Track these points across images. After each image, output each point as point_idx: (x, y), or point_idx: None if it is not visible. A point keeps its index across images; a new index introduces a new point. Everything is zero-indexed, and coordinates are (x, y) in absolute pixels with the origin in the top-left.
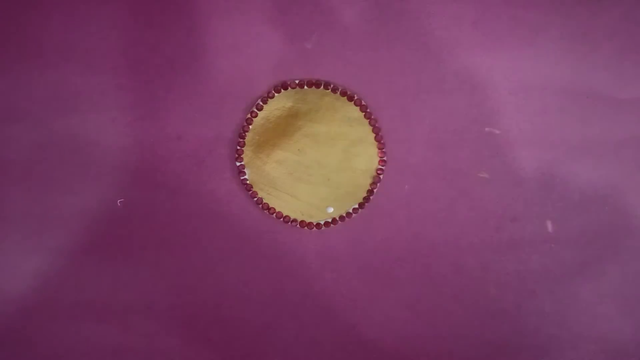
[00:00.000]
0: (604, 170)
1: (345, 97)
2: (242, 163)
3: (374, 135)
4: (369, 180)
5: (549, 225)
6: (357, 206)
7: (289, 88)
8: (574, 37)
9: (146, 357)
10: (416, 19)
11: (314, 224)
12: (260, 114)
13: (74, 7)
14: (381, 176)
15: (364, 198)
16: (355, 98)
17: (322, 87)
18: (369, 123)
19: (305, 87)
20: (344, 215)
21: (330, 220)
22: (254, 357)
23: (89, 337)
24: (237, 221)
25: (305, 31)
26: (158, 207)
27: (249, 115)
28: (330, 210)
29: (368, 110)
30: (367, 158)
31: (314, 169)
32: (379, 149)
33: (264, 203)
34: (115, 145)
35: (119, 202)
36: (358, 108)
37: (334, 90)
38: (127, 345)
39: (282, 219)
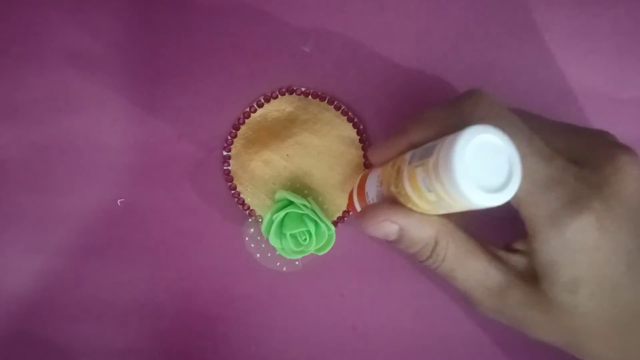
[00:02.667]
0: None
1: (346, 118)
2: (229, 153)
3: (364, 160)
4: (347, 202)
5: None
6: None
7: (294, 94)
8: (574, 37)
9: (146, 357)
10: (416, 19)
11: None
12: (259, 110)
13: (74, 7)
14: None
15: (338, 218)
16: (355, 120)
17: (326, 101)
18: (362, 148)
19: (310, 97)
20: (341, 216)
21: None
22: (253, 357)
23: (89, 337)
24: (237, 221)
25: (304, 33)
26: (158, 207)
27: (247, 109)
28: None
29: (364, 135)
30: (352, 181)
31: (298, 177)
32: None
33: (240, 198)
34: (115, 145)
35: (119, 202)
36: (355, 131)
37: (337, 108)
38: (127, 346)
39: (253, 218)
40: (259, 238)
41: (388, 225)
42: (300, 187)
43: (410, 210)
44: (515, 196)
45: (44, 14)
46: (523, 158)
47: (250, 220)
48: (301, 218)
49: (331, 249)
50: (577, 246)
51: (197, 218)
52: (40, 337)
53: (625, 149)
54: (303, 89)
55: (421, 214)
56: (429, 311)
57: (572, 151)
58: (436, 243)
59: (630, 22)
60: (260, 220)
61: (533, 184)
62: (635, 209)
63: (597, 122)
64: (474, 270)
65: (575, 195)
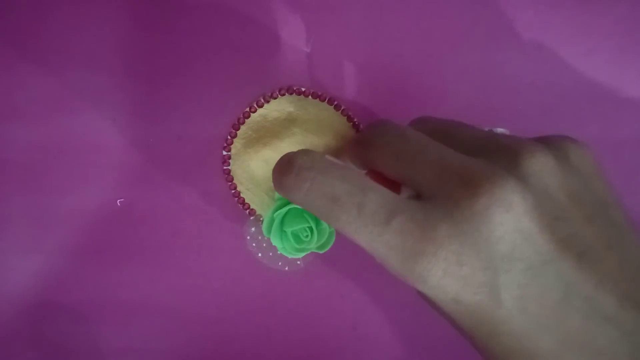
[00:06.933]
0: (604, 170)
1: (346, 118)
2: (229, 153)
3: None
4: None
5: None
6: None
7: (294, 94)
8: (574, 37)
9: (146, 357)
10: (417, 19)
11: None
12: (259, 110)
13: (74, 7)
14: None
15: None
16: (355, 121)
17: (326, 101)
18: None
19: (310, 97)
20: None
21: None
22: (253, 357)
23: (89, 337)
24: (237, 221)
25: (304, 33)
26: (158, 207)
27: (247, 109)
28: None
29: None
30: None
31: None
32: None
33: (240, 197)
34: (115, 145)
35: (119, 202)
36: (355, 130)
37: (337, 108)
38: (127, 346)
39: (254, 217)
40: (260, 237)
41: None
42: None
43: None
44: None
45: (43, 13)
46: (356, 232)
47: (251, 219)
48: (302, 215)
49: (332, 249)
50: (434, 296)
51: (197, 218)
52: (40, 337)
53: (503, 182)
54: (303, 89)
55: None
56: (429, 311)
57: (442, 187)
58: None
59: (630, 22)
60: (261, 219)
61: (376, 252)
62: (502, 257)
63: (597, 122)
64: None
65: (416, 254)
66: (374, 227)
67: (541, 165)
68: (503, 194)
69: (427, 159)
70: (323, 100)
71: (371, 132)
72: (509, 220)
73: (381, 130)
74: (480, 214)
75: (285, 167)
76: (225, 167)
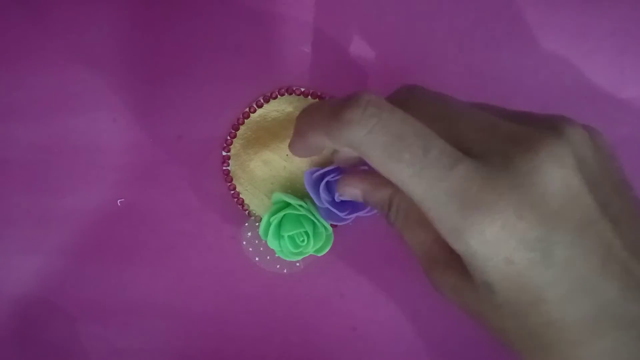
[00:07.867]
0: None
1: None
2: (228, 153)
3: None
4: None
5: None
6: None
7: (294, 94)
8: (574, 37)
9: (146, 357)
10: (417, 19)
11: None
12: (259, 111)
13: (74, 7)
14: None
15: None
16: None
17: None
18: None
19: (310, 97)
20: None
21: None
22: (252, 357)
23: (89, 337)
24: (237, 221)
25: (304, 33)
26: (158, 207)
27: (246, 109)
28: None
29: None
30: None
31: (297, 177)
32: None
33: (239, 198)
34: (115, 145)
35: (119, 202)
36: None
37: None
38: (127, 346)
39: (252, 218)
40: (256, 242)
41: (351, 189)
42: (299, 187)
43: (366, 176)
44: (427, 216)
45: (43, 13)
46: (417, 174)
47: (246, 224)
48: (298, 219)
49: (331, 249)
50: (485, 255)
51: (196, 218)
52: (40, 337)
53: (554, 141)
54: (303, 89)
55: (375, 179)
56: (429, 311)
57: (493, 146)
58: (390, 204)
59: (630, 22)
60: (257, 223)
61: (433, 200)
62: (555, 213)
63: (597, 122)
64: (419, 240)
65: (477, 203)
66: (438, 170)
67: (580, 136)
68: (558, 151)
69: (474, 120)
70: None
71: (405, 94)
72: (562, 176)
73: (418, 92)
74: (537, 168)
75: (349, 102)
76: (224, 168)
